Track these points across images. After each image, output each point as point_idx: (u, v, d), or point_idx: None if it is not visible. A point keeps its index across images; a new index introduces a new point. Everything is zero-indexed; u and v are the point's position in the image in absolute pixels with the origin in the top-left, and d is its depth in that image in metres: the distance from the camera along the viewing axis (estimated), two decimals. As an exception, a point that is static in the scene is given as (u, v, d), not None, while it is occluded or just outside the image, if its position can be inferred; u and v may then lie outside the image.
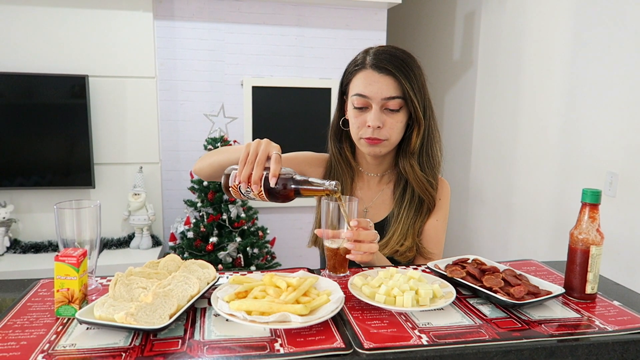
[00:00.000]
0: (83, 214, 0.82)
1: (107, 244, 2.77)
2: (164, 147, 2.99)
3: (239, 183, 0.89)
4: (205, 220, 2.66)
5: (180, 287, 0.77)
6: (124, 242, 2.82)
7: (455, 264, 0.95)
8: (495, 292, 0.80)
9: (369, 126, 1.07)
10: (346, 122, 1.16)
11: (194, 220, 2.70)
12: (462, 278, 0.87)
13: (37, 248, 2.69)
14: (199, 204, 2.69)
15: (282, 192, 0.87)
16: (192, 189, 2.74)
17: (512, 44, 2.89)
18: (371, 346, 0.66)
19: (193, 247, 2.65)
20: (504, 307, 0.80)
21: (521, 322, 0.75)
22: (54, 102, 2.61)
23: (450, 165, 3.61)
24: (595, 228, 0.84)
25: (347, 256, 0.92)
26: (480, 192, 3.30)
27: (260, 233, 2.81)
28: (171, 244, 2.76)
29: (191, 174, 2.85)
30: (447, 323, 0.74)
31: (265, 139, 0.92)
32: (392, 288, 0.79)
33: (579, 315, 0.79)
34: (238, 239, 2.66)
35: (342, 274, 0.95)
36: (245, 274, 0.88)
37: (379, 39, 3.17)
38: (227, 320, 0.73)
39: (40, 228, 2.75)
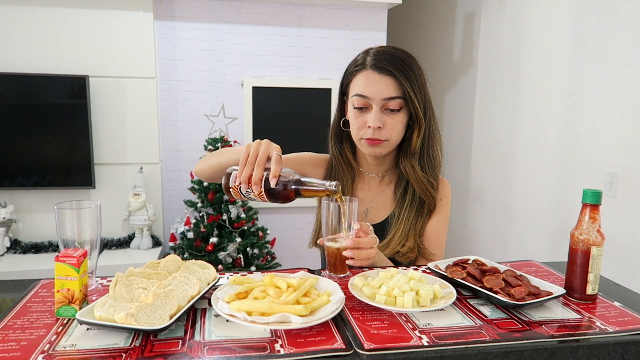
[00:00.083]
0: (83, 214, 0.82)
1: (107, 245, 2.77)
2: (164, 148, 2.99)
3: (240, 184, 0.89)
4: (206, 220, 2.66)
5: (180, 288, 0.77)
6: (124, 243, 2.82)
7: (455, 264, 0.95)
8: (496, 292, 0.80)
9: (369, 127, 1.07)
10: (347, 123, 1.16)
11: (194, 221, 2.70)
12: (462, 279, 0.87)
13: (37, 248, 2.69)
14: (199, 205, 2.69)
15: (283, 192, 0.87)
16: (192, 189, 2.74)
17: (512, 44, 2.89)
18: (371, 347, 0.66)
19: (193, 247, 2.65)
20: (504, 307, 0.80)
21: (522, 322, 0.75)
22: (54, 102, 2.61)
23: (450, 166, 3.61)
24: (595, 229, 0.84)
25: (347, 262, 0.92)
26: (481, 192, 3.30)
27: (261, 233, 2.81)
28: (171, 244, 2.76)
29: (191, 175, 2.85)
30: (447, 324, 0.74)
31: (265, 140, 0.92)
32: (393, 289, 0.79)
33: (580, 316, 0.79)
34: (238, 240, 2.66)
35: (342, 275, 0.95)
36: (245, 275, 0.88)
37: (379, 39, 3.17)
38: (227, 320, 0.73)
39: (40, 228, 2.75)
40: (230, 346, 0.66)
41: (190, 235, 2.65)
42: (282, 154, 0.92)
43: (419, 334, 0.70)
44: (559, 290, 0.84)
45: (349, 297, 0.81)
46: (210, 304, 0.79)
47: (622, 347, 0.71)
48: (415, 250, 1.15)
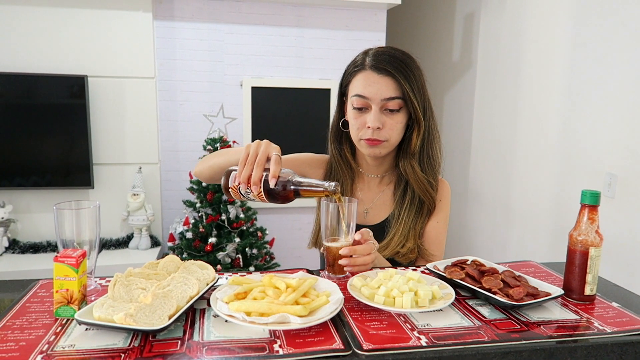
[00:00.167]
0: (82, 214, 0.82)
1: (106, 245, 2.77)
2: (163, 148, 2.99)
3: (239, 184, 0.89)
4: (204, 220, 2.66)
5: (179, 288, 0.77)
6: (122, 243, 2.82)
7: (454, 265, 0.95)
8: (495, 293, 0.80)
9: (368, 127, 1.07)
10: (346, 124, 1.16)
11: (193, 221, 2.70)
12: (461, 279, 0.87)
13: (35, 248, 2.69)
14: (198, 205, 2.69)
15: (282, 193, 0.87)
16: (191, 189, 2.74)
17: (512, 44, 2.90)
18: (370, 347, 0.66)
19: (192, 247, 2.65)
20: (503, 308, 0.80)
21: (520, 323, 0.75)
22: (53, 102, 2.61)
23: (450, 166, 3.60)
24: (594, 229, 0.84)
25: (344, 268, 0.93)
26: (480, 192, 3.31)
27: (259, 234, 2.80)
28: (170, 244, 2.76)
29: (190, 175, 2.85)
30: (446, 324, 0.74)
31: (265, 140, 0.92)
32: (392, 289, 0.79)
33: (578, 317, 0.79)
34: (237, 240, 2.66)
35: (341, 275, 0.95)
36: (244, 275, 0.88)
37: (379, 39, 3.18)
38: (226, 321, 0.73)
39: (39, 228, 2.75)
40: (229, 346, 0.66)
41: (189, 235, 2.65)
42: (282, 154, 0.92)
43: (417, 335, 0.70)
44: (557, 290, 0.84)
45: (348, 298, 0.82)
46: (209, 305, 0.79)
47: (620, 347, 0.71)
48: (415, 251, 1.15)
